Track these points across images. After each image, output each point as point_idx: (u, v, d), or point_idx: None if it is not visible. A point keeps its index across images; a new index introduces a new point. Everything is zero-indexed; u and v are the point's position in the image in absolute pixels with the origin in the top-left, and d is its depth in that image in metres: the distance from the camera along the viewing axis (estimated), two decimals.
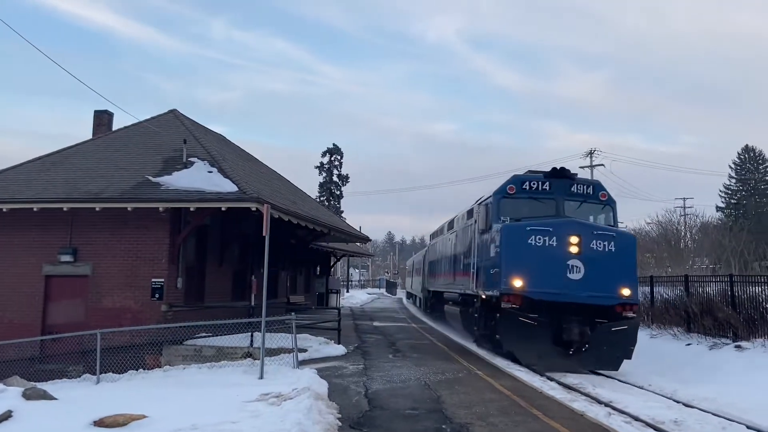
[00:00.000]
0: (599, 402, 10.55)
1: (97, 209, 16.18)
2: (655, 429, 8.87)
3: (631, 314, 13.94)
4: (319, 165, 62.55)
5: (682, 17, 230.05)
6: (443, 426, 8.07)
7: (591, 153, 43.26)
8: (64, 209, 16.43)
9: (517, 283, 13.60)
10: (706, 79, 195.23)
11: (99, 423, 7.86)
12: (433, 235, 28.84)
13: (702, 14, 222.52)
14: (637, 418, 9.48)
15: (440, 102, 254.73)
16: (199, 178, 16.57)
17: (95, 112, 23.39)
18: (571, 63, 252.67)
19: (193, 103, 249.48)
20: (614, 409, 9.97)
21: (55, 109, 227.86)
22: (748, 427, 9.30)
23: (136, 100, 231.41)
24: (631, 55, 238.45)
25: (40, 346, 16.39)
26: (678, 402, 11.16)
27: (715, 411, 10.37)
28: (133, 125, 21.40)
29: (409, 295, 50.65)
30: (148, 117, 21.81)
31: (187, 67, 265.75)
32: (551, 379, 12.76)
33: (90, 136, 22.41)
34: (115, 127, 22.87)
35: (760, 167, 65.94)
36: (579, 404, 9.85)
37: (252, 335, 15.24)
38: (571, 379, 12.90)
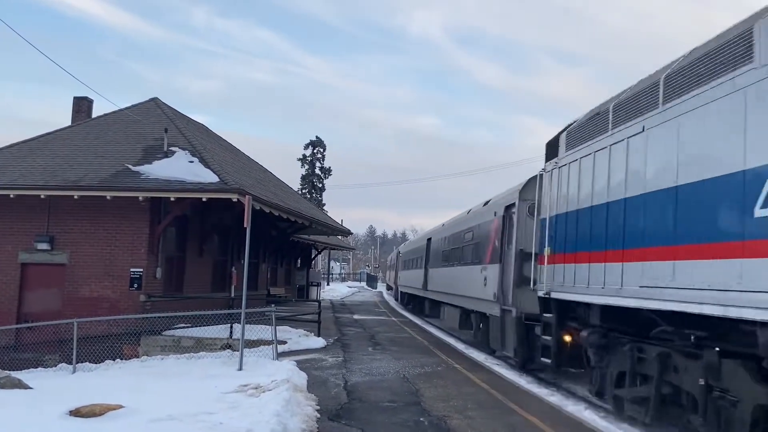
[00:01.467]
0: (575, 396, 10.69)
1: (76, 197, 15.97)
2: (630, 423, 9.00)
3: None
4: (301, 157, 62.36)
5: (662, 17, 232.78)
6: (421, 419, 8.12)
7: None
8: (42, 196, 16.20)
9: None
10: None
11: (75, 413, 7.78)
12: (581, 135, 9.52)
13: (681, 14, 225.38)
14: (612, 412, 9.62)
15: (423, 96, 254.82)
16: (180, 167, 16.43)
17: (74, 98, 23.05)
18: (553, 60, 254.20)
19: (174, 91, 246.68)
20: (590, 403, 10.10)
21: (32, 94, 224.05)
22: None
23: (116, 87, 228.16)
24: (611, 53, 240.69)
25: (15, 334, 16.19)
26: None
27: None
28: (113, 113, 21.10)
29: (410, 299, 32.02)
30: (128, 105, 21.57)
31: (169, 56, 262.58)
32: (529, 374, 12.89)
33: (69, 123, 22.10)
34: (94, 115, 22.57)
35: None
36: (556, 398, 9.96)
37: (231, 326, 15.19)
38: (548, 374, 13.03)
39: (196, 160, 16.92)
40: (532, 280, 10.97)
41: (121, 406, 7.94)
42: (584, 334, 8.81)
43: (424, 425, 7.79)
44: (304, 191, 58.91)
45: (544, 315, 10.24)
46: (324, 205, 60.09)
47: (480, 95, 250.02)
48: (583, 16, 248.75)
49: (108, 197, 15.84)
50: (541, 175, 11.26)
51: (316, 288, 37.94)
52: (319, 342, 15.92)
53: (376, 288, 67.94)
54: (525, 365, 12.42)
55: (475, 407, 8.87)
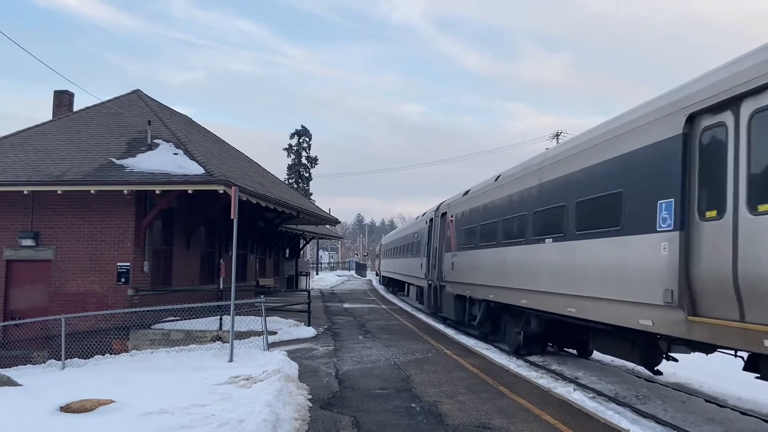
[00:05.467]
0: (564, 378, 10.82)
1: (59, 192, 15.81)
2: (618, 403, 9.14)
3: None
4: (287, 147, 61.99)
5: (641, 0, 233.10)
6: (413, 404, 8.18)
7: (557, 135, 43.71)
8: (25, 192, 16.01)
9: None
10: (665, 61, 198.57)
11: (65, 409, 7.76)
12: None
13: None
14: (600, 393, 9.76)
15: (407, 84, 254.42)
16: (165, 160, 16.28)
17: (55, 92, 22.73)
18: (535, 45, 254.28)
19: (156, 83, 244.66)
20: (579, 385, 10.23)
21: (9, 89, 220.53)
22: (706, 400, 9.66)
23: (97, 80, 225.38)
24: (592, 37, 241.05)
25: (2, 332, 16.06)
26: (639, 378, 11.52)
27: (674, 385, 10.72)
28: (95, 106, 20.86)
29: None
30: (110, 97, 21.30)
31: (149, 47, 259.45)
32: (518, 357, 13.02)
33: (50, 117, 21.80)
34: (76, 108, 22.28)
35: None
36: (545, 381, 10.07)
37: (221, 318, 15.16)
38: (537, 357, 13.17)
39: (180, 152, 16.77)
40: None
41: (111, 401, 7.92)
42: None
43: (415, 410, 7.84)
44: (290, 181, 58.66)
45: None
46: (311, 194, 59.90)
47: (464, 82, 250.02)
48: (563, 0, 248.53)
49: (92, 191, 15.68)
50: None
51: (305, 278, 37.90)
52: (310, 331, 15.93)
53: (365, 276, 68.04)
54: None
55: (466, 391, 8.94)
